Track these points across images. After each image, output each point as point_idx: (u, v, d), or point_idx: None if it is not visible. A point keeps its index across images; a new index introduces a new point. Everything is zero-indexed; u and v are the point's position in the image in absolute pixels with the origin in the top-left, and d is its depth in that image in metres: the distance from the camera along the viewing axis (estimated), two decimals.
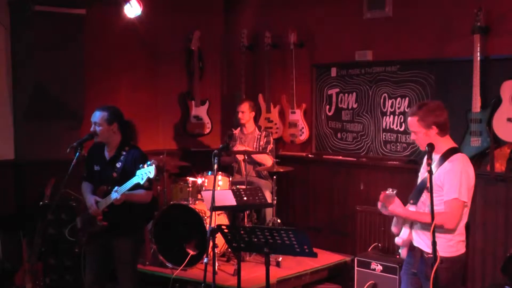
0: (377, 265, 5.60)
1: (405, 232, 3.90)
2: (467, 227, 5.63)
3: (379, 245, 6.07)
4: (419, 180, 3.95)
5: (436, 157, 3.80)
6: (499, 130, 5.38)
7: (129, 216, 4.63)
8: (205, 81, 7.57)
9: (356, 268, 5.79)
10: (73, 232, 4.81)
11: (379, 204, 3.87)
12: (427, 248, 3.73)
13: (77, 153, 4.50)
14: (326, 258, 6.29)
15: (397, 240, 3.97)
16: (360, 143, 6.59)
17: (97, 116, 4.61)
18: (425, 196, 3.77)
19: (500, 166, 5.43)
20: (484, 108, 5.45)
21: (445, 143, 3.80)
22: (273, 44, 7.12)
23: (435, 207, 3.60)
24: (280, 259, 5.94)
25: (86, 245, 4.76)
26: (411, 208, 3.86)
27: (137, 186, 4.43)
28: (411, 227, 3.87)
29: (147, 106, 7.36)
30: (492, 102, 5.42)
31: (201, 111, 7.48)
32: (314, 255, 3.99)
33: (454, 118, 5.68)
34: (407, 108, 6.13)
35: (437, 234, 3.60)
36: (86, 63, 6.40)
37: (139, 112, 7.26)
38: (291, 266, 5.95)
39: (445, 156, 3.76)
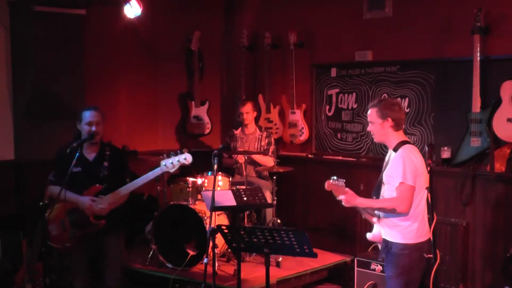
0: (377, 266, 5.59)
1: (376, 228, 4.17)
2: (466, 226, 5.70)
3: (379, 245, 6.06)
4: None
5: (390, 152, 4.07)
6: (499, 130, 5.38)
7: (118, 213, 4.66)
8: (205, 81, 7.57)
9: (356, 268, 5.78)
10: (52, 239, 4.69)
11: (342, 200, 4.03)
12: (391, 237, 4.02)
13: (77, 153, 4.49)
14: (326, 258, 6.28)
15: (368, 236, 4.26)
16: (360, 144, 6.59)
17: (97, 114, 4.64)
18: (383, 189, 4.05)
19: (500, 167, 5.42)
20: (484, 108, 5.45)
21: (397, 137, 4.04)
22: (273, 44, 7.12)
23: (389, 198, 3.95)
24: (280, 259, 5.94)
25: (72, 250, 4.67)
26: None
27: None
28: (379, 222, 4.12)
29: (147, 106, 7.36)
30: (492, 102, 5.42)
31: (201, 112, 7.48)
32: (314, 255, 4.00)
33: (454, 118, 5.73)
34: (407, 108, 6.13)
35: (396, 222, 3.96)
36: (86, 63, 6.40)
37: (139, 112, 7.26)
38: (291, 266, 5.94)
39: (395, 149, 4.01)
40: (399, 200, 3.90)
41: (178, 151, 4.45)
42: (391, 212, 3.94)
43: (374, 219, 4.15)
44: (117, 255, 4.77)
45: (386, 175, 4.01)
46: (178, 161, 4.40)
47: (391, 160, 4.00)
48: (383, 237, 4.10)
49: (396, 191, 3.92)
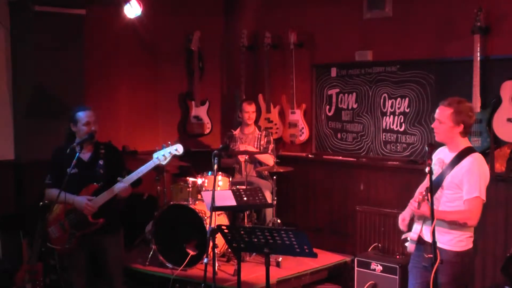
0: (377, 265, 5.60)
1: (417, 228, 4.02)
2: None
3: (379, 245, 6.07)
4: (433, 178, 4.00)
5: (451, 155, 3.92)
6: (499, 130, 5.38)
7: (114, 212, 4.68)
8: (205, 81, 7.57)
9: (356, 268, 5.79)
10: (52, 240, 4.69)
11: (415, 205, 3.89)
12: (441, 244, 3.84)
13: (77, 153, 4.49)
14: (326, 258, 6.28)
15: (412, 236, 4.04)
16: (360, 143, 6.59)
17: (93, 113, 4.65)
18: (439, 193, 3.90)
19: (500, 166, 5.42)
20: (484, 108, 5.45)
21: (463, 142, 3.92)
22: (273, 44, 7.12)
23: (449, 204, 3.82)
24: (280, 259, 5.94)
25: (72, 251, 4.66)
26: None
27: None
28: (422, 223, 3.98)
29: (147, 106, 7.36)
30: (492, 102, 5.42)
31: (201, 111, 7.48)
32: (314, 255, 3.99)
33: None
34: (407, 108, 6.14)
35: (447, 230, 3.83)
36: (86, 63, 6.40)
37: (139, 112, 7.26)
38: (291, 266, 5.94)
39: (461, 155, 3.87)
40: (471, 214, 3.78)
41: (169, 143, 4.46)
42: (460, 226, 3.81)
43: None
44: (117, 254, 4.78)
45: (451, 181, 3.84)
46: (170, 152, 4.42)
47: (461, 167, 3.83)
48: (426, 239, 3.93)
49: (468, 204, 3.79)
